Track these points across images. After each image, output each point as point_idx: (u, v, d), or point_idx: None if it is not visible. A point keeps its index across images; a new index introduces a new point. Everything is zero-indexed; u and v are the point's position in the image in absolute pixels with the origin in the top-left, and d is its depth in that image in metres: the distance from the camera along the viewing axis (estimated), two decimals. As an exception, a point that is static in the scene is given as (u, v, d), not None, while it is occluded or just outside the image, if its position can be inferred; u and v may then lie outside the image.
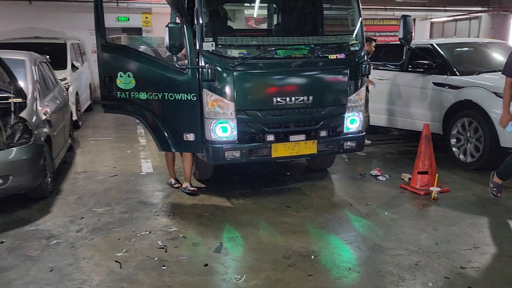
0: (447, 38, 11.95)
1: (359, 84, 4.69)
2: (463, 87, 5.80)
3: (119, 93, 4.34)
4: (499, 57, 6.82)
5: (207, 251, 3.47)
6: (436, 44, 6.64)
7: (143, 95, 4.34)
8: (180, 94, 4.28)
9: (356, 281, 3.01)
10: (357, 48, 4.71)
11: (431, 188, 4.60)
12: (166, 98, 4.30)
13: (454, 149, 5.92)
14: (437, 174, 4.68)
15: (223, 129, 4.31)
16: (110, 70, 4.32)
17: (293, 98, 4.38)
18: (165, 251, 3.47)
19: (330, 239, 3.68)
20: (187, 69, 4.24)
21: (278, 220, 4.07)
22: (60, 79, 7.46)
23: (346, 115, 4.67)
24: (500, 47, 7.14)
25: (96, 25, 4.30)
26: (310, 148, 4.54)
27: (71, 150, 6.83)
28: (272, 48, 4.42)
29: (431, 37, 17.96)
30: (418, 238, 3.65)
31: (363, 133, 4.83)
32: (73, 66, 9.08)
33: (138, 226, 3.97)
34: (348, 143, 4.71)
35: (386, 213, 4.21)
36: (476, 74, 5.97)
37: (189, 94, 4.27)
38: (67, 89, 7.86)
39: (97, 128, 8.94)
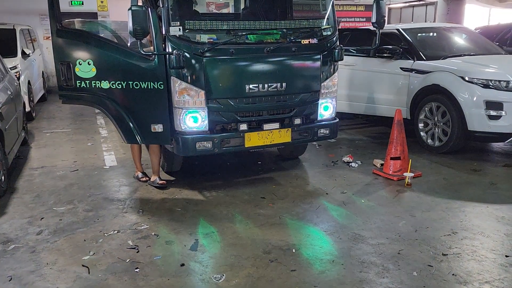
0: (412, 23, 12.14)
1: (332, 70, 4.58)
2: (430, 71, 5.83)
3: (79, 82, 4.02)
4: (461, 41, 6.93)
5: (182, 250, 3.27)
6: (402, 29, 6.65)
7: (105, 84, 4.03)
8: (146, 83, 4.01)
9: (341, 274, 2.92)
10: (329, 33, 4.58)
11: (404, 174, 4.59)
12: (131, 87, 4.02)
13: (422, 133, 5.97)
14: (410, 160, 4.68)
15: (193, 119, 4.09)
16: (67, 58, 3.99)
17: (266, 85, 4.21)
18: (137, 252, 3.24)
19: (310, 231, 3.57)
20: (153, 56, 3.97)
21: (254, 213, 3.92)
22: (10, 68, 6.92)
23: (320, 101, 4.55)
24: (461, 31, 7.25)
25: (49, 7, 3.94)
26: (284, 136, 4.40)
27: (25, 144, 6.37)
28: (244, 33, 4.21)
29: (389, 22, 18.22)
30: (397, 226, 3.61)
31: (337, 120, 4.74)
32: (23, 53, 8.49)
33: (105, 225, 3.70)
34: (322, 131, 4.60)
35: (363, 201, 4.15)
36: (442, 59, 6.02)
37: (156, 83, 4.01)
38: (18, 78, 7.32)
39: (52, 119, 8.42)
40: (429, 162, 5.33)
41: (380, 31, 4.60)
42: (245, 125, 4.21)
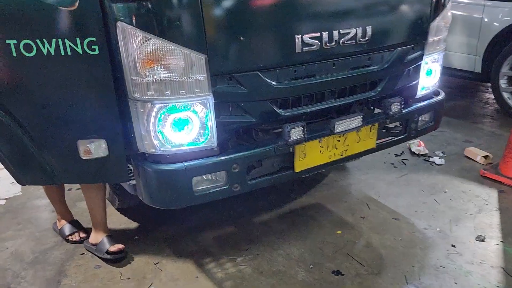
0: None
1: (444, 0, 2.29)
2: (523, -2, 3.75)
3: None
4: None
5: None
6: None
7: None
8: (54, 41, 1.54)
9: None
10: None
11: None
12: (15, 54, 1.54)
13: (505, 94, 4.01)
14: None
15: (180, 123, 1.70)
16: None
17: (335, 34, 1.87)
18: None
19: None
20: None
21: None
22: None
23: (424, 60, 2.29)
24: None
25: None
26: (366, 140, 2.15)
27: None
28: None
29: None
30: None
31: (443, 96, 2.52)
32: None
33: None
34: (424, 118, 2.40)
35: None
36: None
37: (78, 40, 1.55)
38: None
39: None
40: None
41: None
42: (298, 128, 1.87)
